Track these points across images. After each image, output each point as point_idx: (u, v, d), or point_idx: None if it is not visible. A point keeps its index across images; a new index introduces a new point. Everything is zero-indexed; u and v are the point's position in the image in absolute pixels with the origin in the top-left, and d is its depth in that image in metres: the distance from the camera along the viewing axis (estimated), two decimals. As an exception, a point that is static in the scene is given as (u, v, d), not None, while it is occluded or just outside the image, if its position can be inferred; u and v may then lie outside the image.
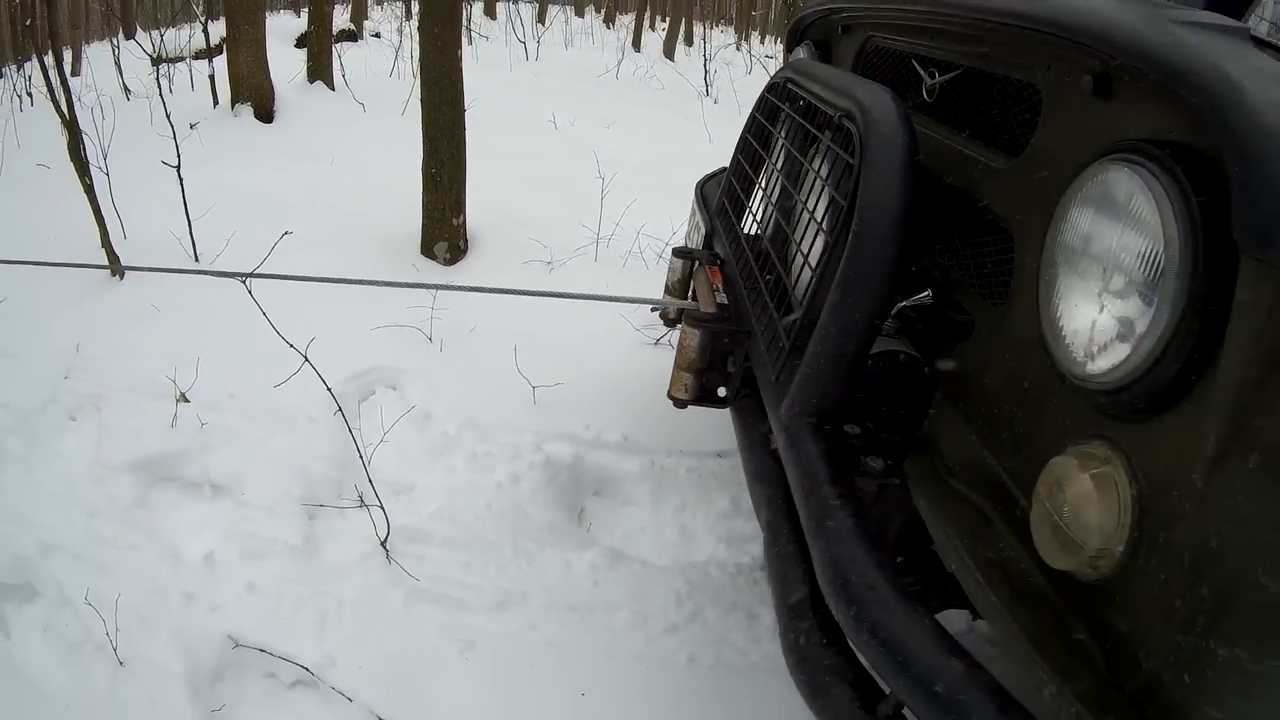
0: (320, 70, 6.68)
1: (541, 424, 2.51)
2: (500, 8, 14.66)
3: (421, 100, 3.54)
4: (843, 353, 1.23)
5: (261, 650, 1.84)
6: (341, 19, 11.07)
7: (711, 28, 18.18)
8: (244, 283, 1.93)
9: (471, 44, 10.92)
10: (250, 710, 1.78)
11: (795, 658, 1.16)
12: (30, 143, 5.77)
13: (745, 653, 1.98)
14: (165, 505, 2.26)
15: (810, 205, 1.46)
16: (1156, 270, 0.89)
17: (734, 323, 1.71)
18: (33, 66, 9.13)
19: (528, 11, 13.98)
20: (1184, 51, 0.87)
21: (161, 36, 7.27)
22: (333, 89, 6.76)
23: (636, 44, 14.11)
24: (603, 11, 18.63)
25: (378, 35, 11.29)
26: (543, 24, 13.65)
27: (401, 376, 2.73)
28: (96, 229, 3.45)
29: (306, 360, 2.13)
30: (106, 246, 3.43)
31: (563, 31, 13.06)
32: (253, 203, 4.14)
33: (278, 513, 2.16)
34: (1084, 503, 0.90)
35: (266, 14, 6.20)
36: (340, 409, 2.32)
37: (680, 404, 1.83)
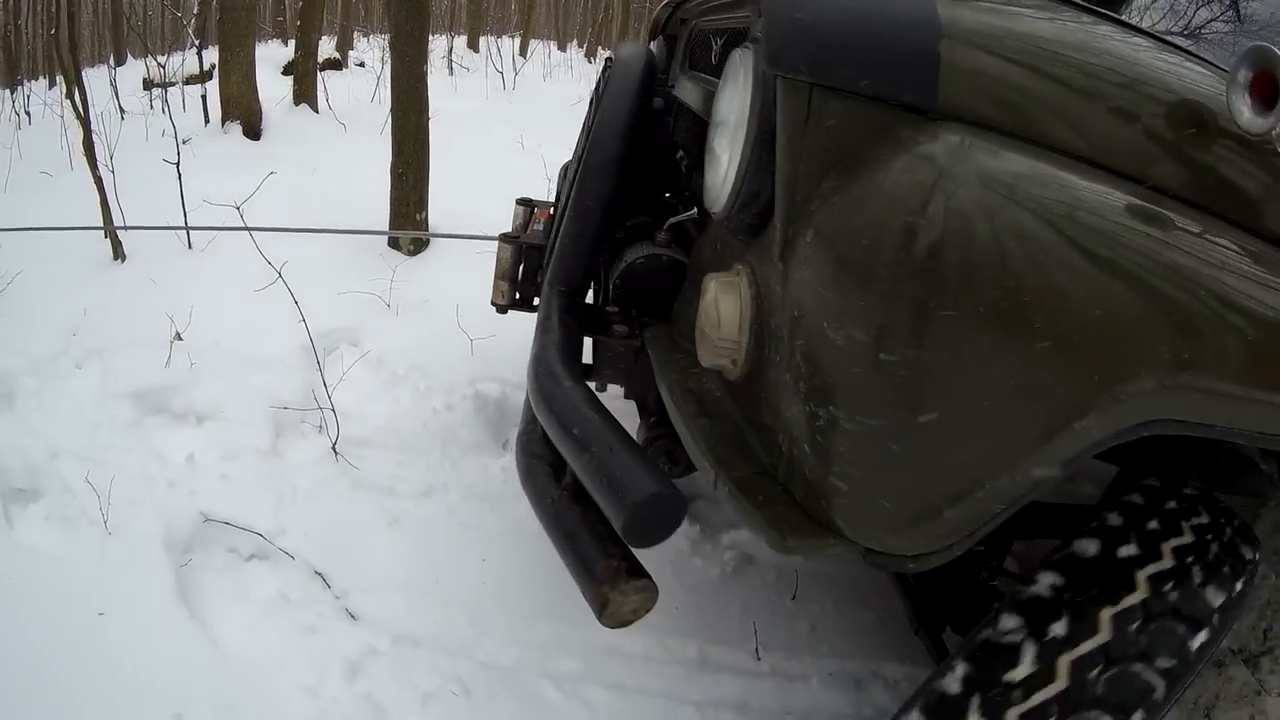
0: (305, 94, 7.21)
1: (476, 369, 3.00)
2: (483, 40, 15.23)
3: (391, 109, 4.07)
4: (581, 233, 1.58)
5: (226, 523, 2.26)
6: (329, 48, 11.66)
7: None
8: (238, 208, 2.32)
9: (452, 74, 11.48)
10: (214, 578, 2.15)
11: (518, 454, 1.45)
12: (31, 155, 6.25)
13: (626, 537, 2.45)
14: (157, 425, 2.71)
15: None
16: (743, 117, 1.13)
17: (538, 240, 2.06)
18: (30, 87, 9.70)
19: (508, 45, 14.53)
20: None
21: (160, 64, 7.76)
22: (317, 111, 7.28)
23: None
24: (585, 45, 19.25)
25: (362, 64, 11.82)
26: (524, 56, 14.20)
27: (361, 334, 3.22)
28: (101, 218, 3.96)
29: (280, 277, 2.61)
30: (111, 233, 3.92)
31: (544, 64, 13.60)
32: (240, 197, 4.64)
33: (251, 427, 2.63)
34: (715, 304, 1.15)
35: (256, 41, 6.72)
36: (311, 337, 2.82)
37: (500, 309, 2.15)
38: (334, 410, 2.60)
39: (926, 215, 0.90)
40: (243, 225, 2.73)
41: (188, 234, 4.02)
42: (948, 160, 0.93)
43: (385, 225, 4.18)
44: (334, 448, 2.53)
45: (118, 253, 3.91)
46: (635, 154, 1.63)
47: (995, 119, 1.01)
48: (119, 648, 1.88)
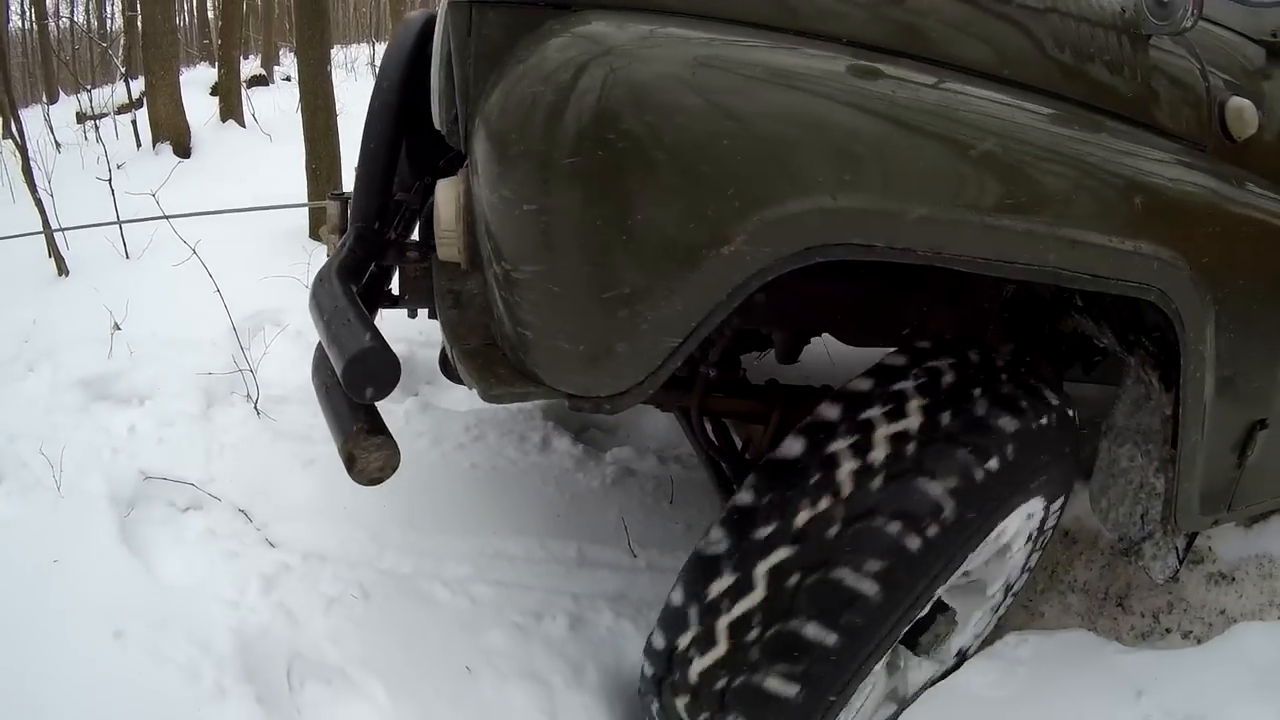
0: (231, 110, 7.54)
1: (386, 331, 3.34)
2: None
3: (301, 111, 4.43)
4: (370, 173, 1.77)
5: (163, 478, 2.58)
6: (255, 66, 11.93)
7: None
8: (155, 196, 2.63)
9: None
10: (152, 525, 2.45)
11: (314, 356, 1.57)
12: None
13: (516, 462, 2.81)
14: (103, 409, 3.04)
15: None
16: (439, 46, 1.27)
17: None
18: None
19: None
20: None
21: (90, 96, 8.02)
22: (244, 126, 7.62)
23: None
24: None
25: (288, 78, 12.05)
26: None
27: (283, 314, 3.57)
28: (44, 238, 4.30)
29: (195, 253, 2.97)
30: (53, 251, 4.26)
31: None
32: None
33: (184, 398, 2.97)
34: (439, 202, 1.28)
35: (183, 67, 7.03)
36: (230, 315, 3.19)
37: None
38: (254, 373, 2.97)
39: (551, 81, 1.01)
40: (162, 214, 3.10)
41: (124, 244, 4.36)
42: (575, 37, 1.05)
43: (306, 221, 4.54)
44: (255, 407, 2.90)
45: (61, 269, 4.25)
46: (414, 102, 1.79)
47: (631, 3, 1.13)
48: (69, 586, 2.15)
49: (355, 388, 1.26)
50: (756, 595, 1.41)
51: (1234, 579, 2.59)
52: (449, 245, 1.28)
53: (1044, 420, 1.55)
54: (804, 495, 1.43)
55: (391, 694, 1.93)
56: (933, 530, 1.40)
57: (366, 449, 1.28)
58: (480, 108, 1.09)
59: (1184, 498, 1.72)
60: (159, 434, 2.81)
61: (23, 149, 4.24)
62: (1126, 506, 1.85)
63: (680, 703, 1.52)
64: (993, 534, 1.58)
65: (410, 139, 1.92)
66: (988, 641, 2.16)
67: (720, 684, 1.44)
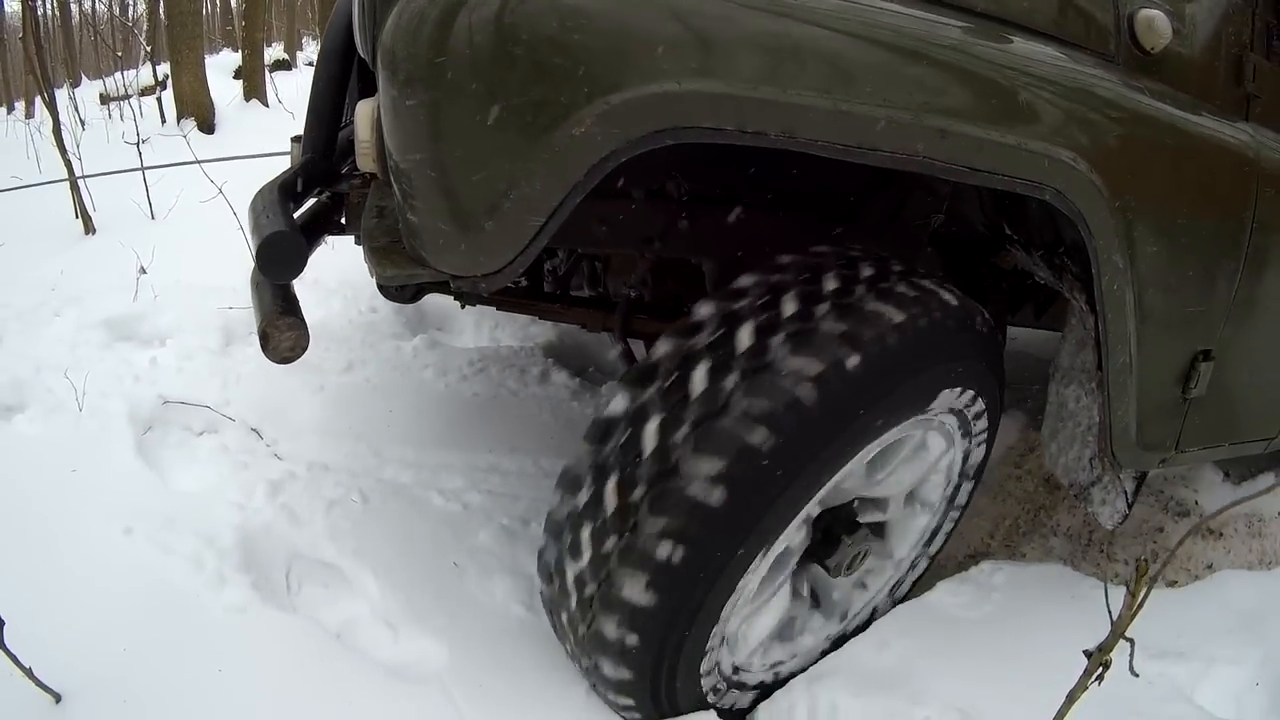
0: (255, 90, 7.72)
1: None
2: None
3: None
4: (318, 108, 1.87)
5: (181, 402, 2.72)
6: (278, 51, 12.15)
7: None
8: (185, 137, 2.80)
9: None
10: (168, 442, 2.60)
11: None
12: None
13: (516, 392, 2.93)
14: (127, 347, 3.20)
15: None
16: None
17: None
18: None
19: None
20: None
21: (117, 77, 8.20)
22: (267, 106, 7.79)
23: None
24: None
25: (311, 64, 12.26)
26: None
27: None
28: (72, 199, 4.46)
29: (221, 193, 3.10)
30: (81, 210, 4.42)
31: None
32: (197, 181, 5.15)
33: (204, 335, 3.12)
34: (357, 119, 1.35)
35: (205, 53, 7.21)
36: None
37: None
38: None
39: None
40: (194, 159, 3.24)
41: (149, 203, 4.51)
42: None
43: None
44: (270, 341, 3.03)
45: (88, 227, 4.41)
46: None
47: None
48: (83, 492, 2.28)
49: (265, 265, 1.39)
50: (608, 508, 1.46)
51: (1221, 535, 2.64)
52: (365, 156, 1.35)
53: (938, 316, 1.53)
54: (655, 400, 1.46)
55: (380, 585, 2.05)
56: (797, 419, 1.40)
57: (280, 328, 1.38)
58: (381, 30, 1.19)
59: (1119, 426, 1.71)
60: (179, 365, 2.94)
61: (53, 109, 4.41)
62: (1075, 450, 1.85)
63: (563, 616, 1.62)
64: (884, 436, 1.58)
65: (363, 81, 2.00)
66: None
67: (588, 591, 1.51)
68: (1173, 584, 2.44)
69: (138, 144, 4.49)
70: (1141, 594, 1.14)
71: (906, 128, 1.26)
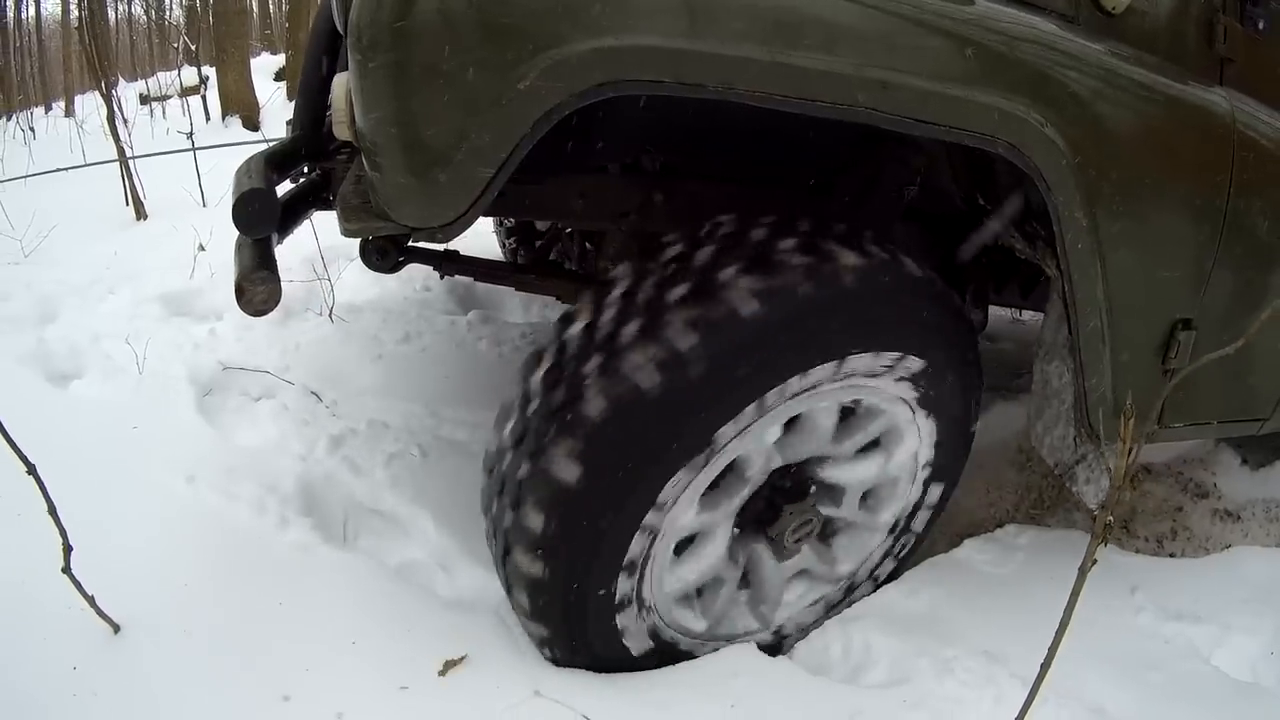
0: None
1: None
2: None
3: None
4: (306, 84, 1.96)
5: (241, 368, 2.74)
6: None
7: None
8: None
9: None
10: (230, 416, 2.60)
11: None
12: (44, 161, 6.63)
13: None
14: (185, 320, 3.24)
15: None
16: None
17: None
18: (31, 114, 10.33)
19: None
20: None
21: (160, 80, 8.34)
22: (311, 105, 7.87)
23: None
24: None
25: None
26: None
27: (355, 244, 3.75)
28: (124, 186, 4.54)
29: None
30: (133, 197, 4.49)
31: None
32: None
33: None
34: (334, 90, 1.36)
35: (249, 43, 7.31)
36: (317, 237, 3.36)
37: None
38: (331, 282, 3.15)
39: None
40: (239, 141, 3.29)
41: (200, 190, 4.58)
42: None
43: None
44: (331, 315, 3.07)
45: (140, 213, 4.48)
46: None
47: None
48: (146, 444, 2.31)
49: (239, 220, 1.49)
50: (507, 446, 1.54)
51: (1240, 518, 2.66)
52: (341, 124, 1.38)
53: (845, 278, 1.51)
54: (574, 338, 1.52)
55: (439, 529, 2.12)
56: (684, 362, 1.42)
57: (254, 281, 1.45)
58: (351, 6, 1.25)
59: (1094, 395, 1.68)
60: (238, 336, 2.97)
61: (107, 98, 4.50)
62: (1060, 429, 1.82)
63: (491, 548, 1.67)
64: (788, 384, 1.54)
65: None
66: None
67: (505, 522, 1.55)
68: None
69: (190, 133, 4.56)
70: (1130, 443, 1.14)
71: (846, 80, 1.29)
